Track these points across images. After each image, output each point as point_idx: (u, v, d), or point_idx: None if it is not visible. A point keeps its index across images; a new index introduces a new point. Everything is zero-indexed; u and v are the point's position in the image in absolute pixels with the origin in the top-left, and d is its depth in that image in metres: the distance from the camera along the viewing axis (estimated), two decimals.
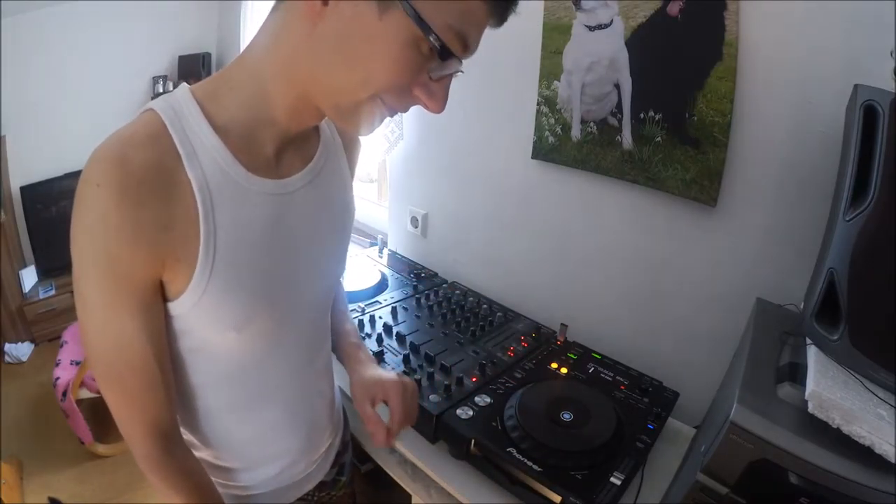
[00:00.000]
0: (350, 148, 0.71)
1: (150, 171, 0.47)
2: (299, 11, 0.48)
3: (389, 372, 0.77)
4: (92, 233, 0.47)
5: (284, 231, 0.58)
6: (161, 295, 0.52)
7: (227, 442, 0.65)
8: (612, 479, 0.76)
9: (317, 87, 0.51)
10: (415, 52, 0.46)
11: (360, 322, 1.16)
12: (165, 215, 0.48)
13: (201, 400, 0.61)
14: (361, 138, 0.74)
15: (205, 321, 0.54)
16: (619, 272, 1.16)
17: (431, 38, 0.45)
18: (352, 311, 1.15)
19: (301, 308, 0.64)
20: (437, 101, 0.51)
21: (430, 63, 0.48)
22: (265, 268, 0.57)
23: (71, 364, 2.01)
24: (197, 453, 0.64)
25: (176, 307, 0.52)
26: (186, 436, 0.63)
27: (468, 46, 0.48)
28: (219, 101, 0.53)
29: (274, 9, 0.52)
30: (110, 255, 0.47)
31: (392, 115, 0.53)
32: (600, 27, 1.03)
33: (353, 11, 0.45)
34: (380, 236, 1.76)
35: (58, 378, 1.91)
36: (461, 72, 0.51)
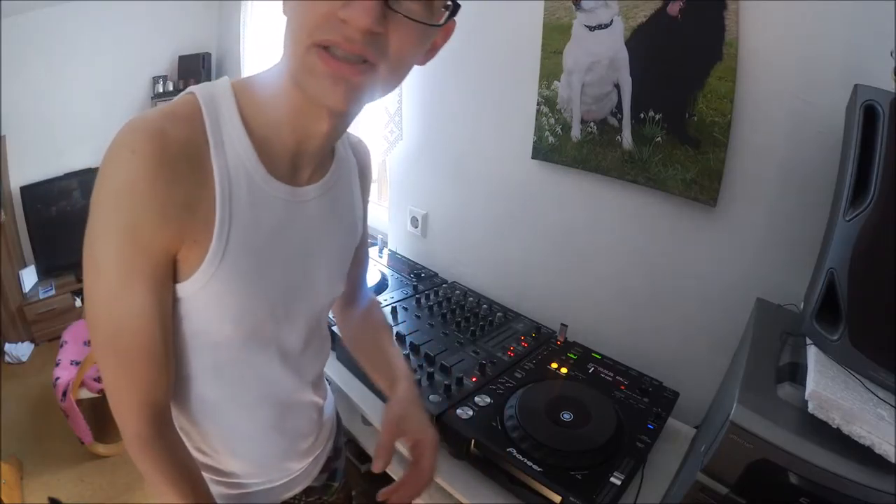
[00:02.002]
0: (364, 169, 0.72)
1: (185, 149, 0.48)
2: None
3: (426, 418, 0.74)
4: (119, 198, 0.46)
5: (292, 238, 0.59)
6: (172, 274, 0.52)
7: (213, 434, 0.65)
8: (612, 479, 0.76)
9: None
10: None
11: None
12: (192, 195, 0.49)
13: (189, 388, 0.60)
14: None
15: (206, 307, 0.54)
16: (620, 272, 1.16)
17: None
18: None
19: (299, 316, 0.64)
20: (354, 8, 0.41)
21: None
22: (269, 269, 0.57)
23: (71, 364, 2.01)
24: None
25: (182, 289, 0.53)
26: (177, 422, 0.63)
27: None
28: (252, 100, 0.54)
29: None
30: (135, 223, 0.47)
31: (340, 68, 0.44)
32: (600, 27, 1.03)
33: None
34: (380, 236, 1.76)
35: (58, 378, 1.91)
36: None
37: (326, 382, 0.81)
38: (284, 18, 0.48)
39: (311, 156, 0.59)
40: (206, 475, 0.66)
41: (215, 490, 0.67)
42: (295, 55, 0.46)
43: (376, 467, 0.68)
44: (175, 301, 0.53)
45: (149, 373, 0.53)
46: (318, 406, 0.77)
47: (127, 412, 0.54)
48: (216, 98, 0.52)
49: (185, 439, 0.64)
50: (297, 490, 0.76)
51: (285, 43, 0.48)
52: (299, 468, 0.75)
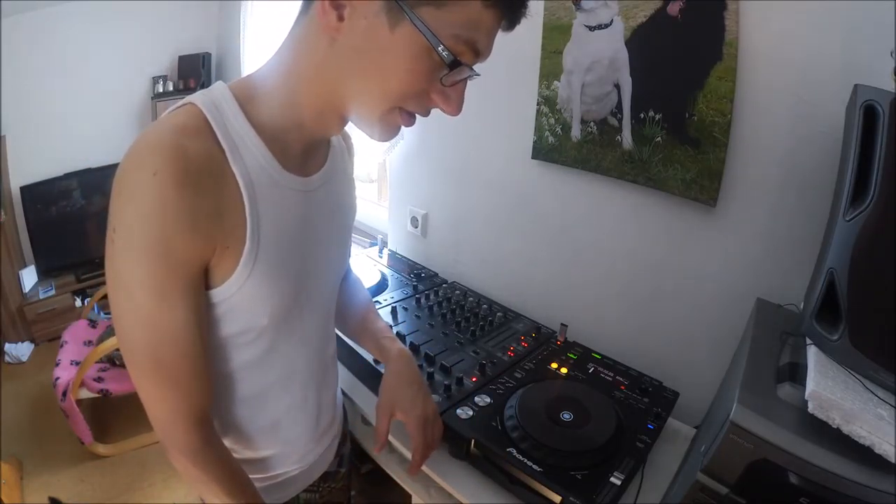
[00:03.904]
0: (350, 150, 0.77)
1: (205, 161, 0.49)
2: (319, 26, 0.50)
3: (418, 393, 0.78)
4: (149, 220, 0.46)
5: (308, 226, 0.62)
6: (204, 282, 0.53)
7: (247, 428, 0.67)
8: (612, 479, 0.76)
9: (341, 98, 0.54)
10: (426, 62, 0.48)
11: None
12: (218, 204, 0.50)
13: (229, 387, 0.63)
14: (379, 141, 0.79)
15: (243, 307, 0.56)
16: (620, 272, 1.16)
17: (440, 49, 0.47)
18: None
19: (316, 297, 0.68)
20: (453, 105, 0.53)
21: (443, 70, 0.49)
22: (293, 258, 0.60)
23: (71, 364, 2.01)
24: None
25: (217, 294, 0.54)
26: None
27: (479, 52, 0.50)
28: (254, 101, 0.55)
29: (298, 18, 0.54)
30: (168, 242, 0.47)
31: (411, 123, 0.55)
32: (600, 27, 1.03)
33: (367, 26, 0.48)
34: (380, 236, 1.76)
35: (58, 378, 1.91)
36: (476, 74, 0.53)
37: (337, 363, 0.84)
38: (325, 44, 0.51)
39: (318, 148, 0.64)
40: None
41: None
42: (374, 106, 0.53)
43: (376, 449, 0.77)
44: (210, 306, 0.55)
45: (194, 383, 0.54)
46: (333, 386, 0.81)
47: (179, 427, 0.54)
48: (219, 105, 0.53)
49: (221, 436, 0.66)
50: (317, 476, 0.79)
51: (324, 69, 0.52)
52: (320, 451, 0.78)
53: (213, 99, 0.53)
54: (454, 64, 0.48)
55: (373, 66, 0.50)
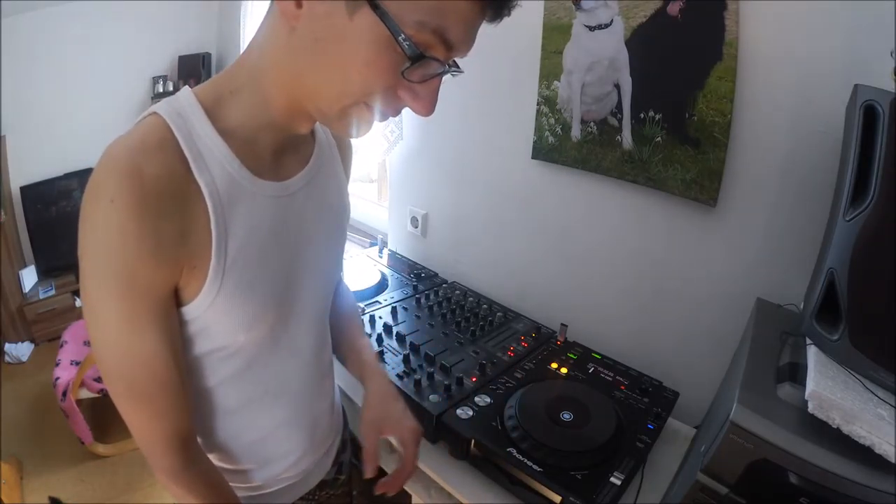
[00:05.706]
0: (343, 148, 0.72)
1: (165, 180, 0.46)
2: (279, 13, 0.47)
3: (403, 410, 0.74)
4: (109, 249, 0.45)
5: (287, 232, 0.59)
6: (175, 302, 0.51)
7: (234, 443, 0.65)
8: (612, 479, 0.76)
9: (302, 91, 0.50)
10: (389, 53, 0.43)
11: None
12: (182, 225, 0.48)
13: (211, 402, 0.61)
14: (354, 140, 0.74)
15: (216, 323, 0.54)
16: (620, 272, 1.16)
17: (401, 38, 0.41)
18: None
19: (304, 307, 0.64)
20: (423, 104, 0.47)
21: (406, 63, 0.44)
22: (271, 268, 0.57)
23: (71, 364, 2.01)
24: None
25: (188, 312, 0.52)
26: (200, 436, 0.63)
27: (451, 45, 0.44)
28: (221, 104, 0.52)
29: (268, 10, 0.51)
30: (131, 270, 0.45)
31: (383, 119, 0.50)
32: (600, 27, 1.03)
33: (325, 12, 0.44)
34: (380, 236, 1.76)
35: (58, 378, 1.91)
36: (454, 70, 0.48)
37: (333, 371, 0.82)
38: (285, 32, 0.47)
39: (297, 147, 0.61)
40: (231, 484, 0.66)
41: (241, 496, 0.68)
42: (335, 101, 0.48)
43: (368, 473, 0.69)
44: (183, 324, 0.53)
45: (171, 405, 0.53)
46: (330, 395, 0.78)
47: (158, 448, 0.54)
48: (184, 113, 0.50)
49: (206, 450, 0.64)
50: (313, 485, 0.77)
51: (295, 66, 0.48)
52: (316, 460, 0.75)
53: (177, 108, 0.50)
54: (417, 57, 0.43)
55: (331, 57, 0.45)
